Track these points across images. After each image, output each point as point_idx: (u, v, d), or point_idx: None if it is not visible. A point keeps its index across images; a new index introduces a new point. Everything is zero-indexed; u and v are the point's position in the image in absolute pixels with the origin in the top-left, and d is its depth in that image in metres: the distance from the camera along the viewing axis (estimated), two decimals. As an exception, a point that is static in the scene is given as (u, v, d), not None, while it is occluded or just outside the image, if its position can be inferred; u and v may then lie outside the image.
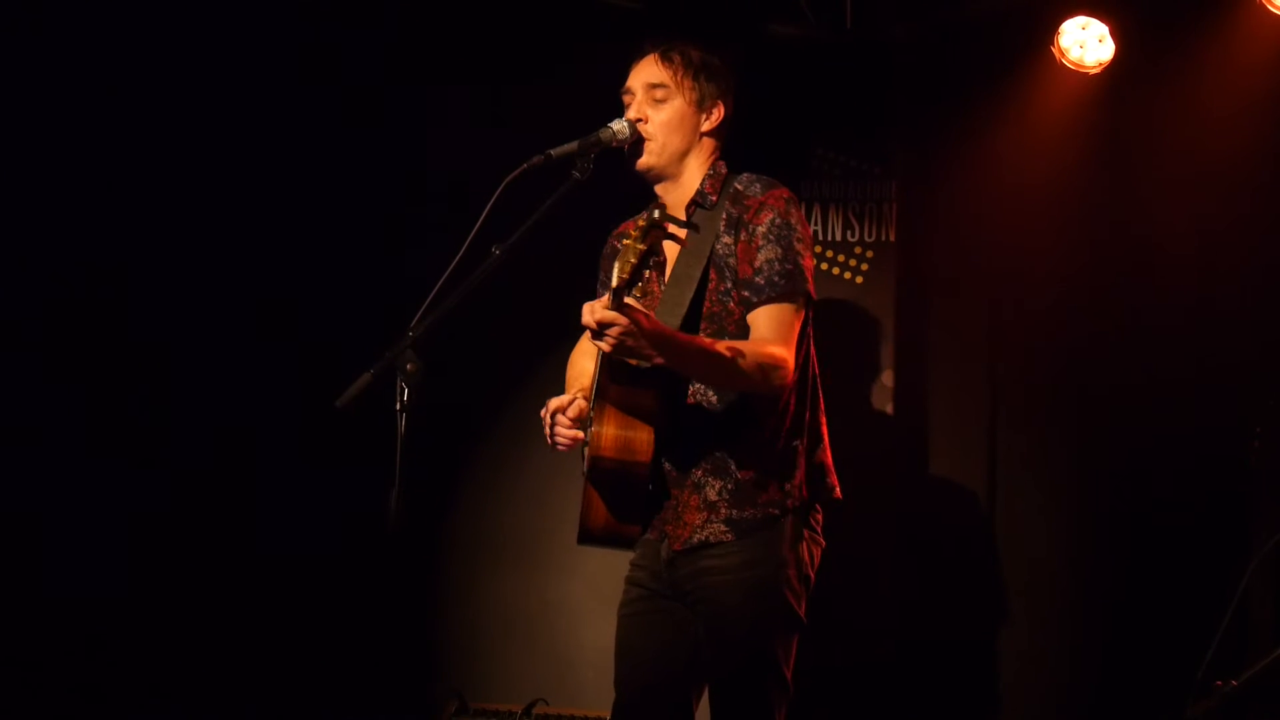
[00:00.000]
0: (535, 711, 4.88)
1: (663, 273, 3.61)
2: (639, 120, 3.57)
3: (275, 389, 5.25)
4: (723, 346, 3.32)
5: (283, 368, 5.24)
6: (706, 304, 3.52)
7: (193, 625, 5.18)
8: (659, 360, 3.25)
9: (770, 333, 3.43)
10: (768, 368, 3.36)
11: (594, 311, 3.10)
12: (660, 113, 3.59)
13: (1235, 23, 4.76)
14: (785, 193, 3.56)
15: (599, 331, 3.12)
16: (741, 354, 3.33)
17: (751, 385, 3.40)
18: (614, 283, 2.99)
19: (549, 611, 5.44)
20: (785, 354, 3.40)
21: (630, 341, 3.13)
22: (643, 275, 2.99)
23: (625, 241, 3.01)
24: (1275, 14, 4.65)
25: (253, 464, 5.28)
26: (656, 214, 3.07)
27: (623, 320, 3.06)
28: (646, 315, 3.10)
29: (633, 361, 3.32)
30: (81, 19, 4.95)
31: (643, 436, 3.36)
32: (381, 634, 5.09)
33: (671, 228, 3.14)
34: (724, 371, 3.33)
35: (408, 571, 5.13)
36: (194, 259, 5.22)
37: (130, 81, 5.04)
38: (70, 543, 4.99)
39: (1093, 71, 4.98)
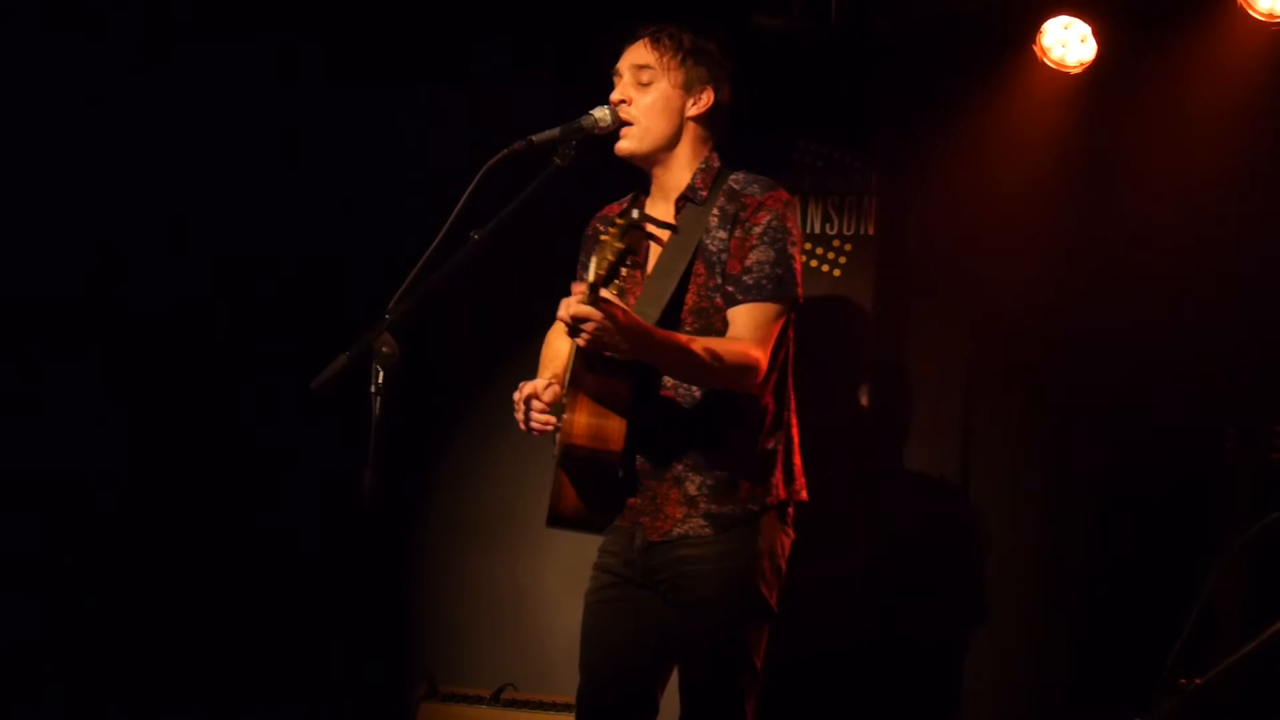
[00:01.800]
0: (504, 696, 4.89)
1: (647, 263, 3.61)
2: (622, 101, 3.56)
3: (246, 370, 5.25)
4: (698, 345, 3.33)
5: (258, 348, 5.24)
6: (693, 298, 3.52)
7: (161, 605, 5.17)
8: (630, 355, 3.26)
9: (748, 332, 3.43)
10: (741, 369, 3.37)
11: (569, 306, 3.11)
12: (644, 95, 3.58)
13: (1217, 26, 4.77)
14: (784, 195, 3.57)
15: (574, 326, 3.13)
16: (716, 353, 3.33)
17: (724, 384, 3.41)
18: (590, 278, 3.00)
19: (520, 596, 5.45)
20: (759, 355, 3.41)
21: (606, 337, 3.13)
22: (619, 274, 2.99)
23: (603, 237, 3.01)
24: (1256, 18, 4.67)
25: (226, 445, 5.27)
26: (636, 214, 3.06)
27: (597, 315, 3.06)
28: (623, 310, 3.10)
29: (607, 353, 3.33)
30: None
31: (615, 425, 3.37)
32: (352, 616, 5.08)
33: (651, 228, 3.15)
34: (697, 369, 3.34)
35: (380, 554, 5.12)
36: (172, 245, 5.22)
37: (129, 80, 5.04)
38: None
39: (1074, 71, 4.99)
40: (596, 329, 3.11)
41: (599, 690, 3.61)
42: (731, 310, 3.48)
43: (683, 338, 3.38)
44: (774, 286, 3.46)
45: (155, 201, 5.15)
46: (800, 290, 3.54)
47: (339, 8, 5.32)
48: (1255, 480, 4.53)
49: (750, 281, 3.46)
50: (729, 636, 3.49)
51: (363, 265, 4.98)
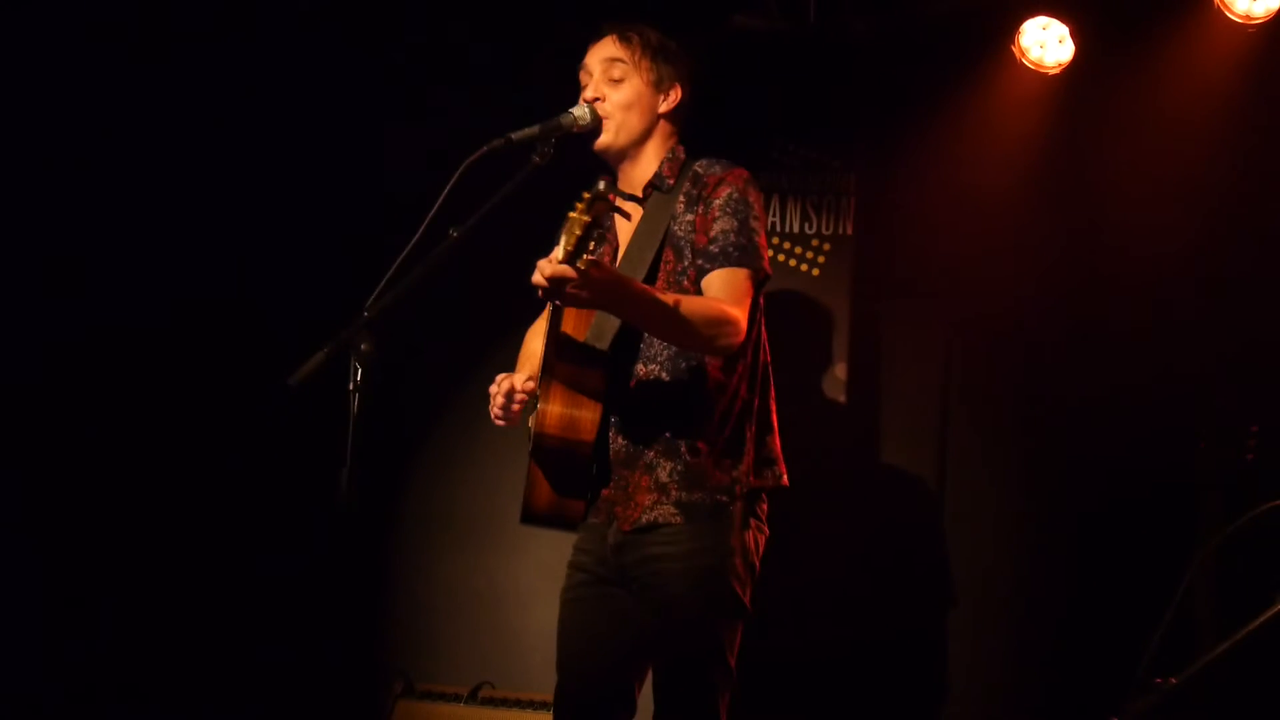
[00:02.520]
0: (481, 694, 4.89)
1: (615, 253, 3.62)
2: (596, 99, 3.58)
3: (225, 367, 5.23)
4: (673, 297, 3.32)
5: (230, 344, 5.23)
6: (662, 283, 3.52)
7: (137, 603, 5.16)
8: (608, 310, 3.28)
9: (723, 293, 3.44)
10: (718, 322, 3.36)
11: (544, 268, 3.09)
12: (618, 92, 3.60)
13: (1194, 27, 4.79)
14: (744, 173, 3.59)
15: (553, 287, 3.10)
16: (695, 309, 3.33)
17: (701, 340, 3.38)
18: (560, 256, 2.97)
19: (497, 594, 5.44)
20: (737, 313, 3.40)
21: (584, 294, 3.11)
22: (588, 247, 2.97)
23: (570, 214, 2.99)
24: (1233, 19, 4.70)
25: (203, 441, 5.26)
26: (601, 186, 3.04)
27: (572, 273, 3.01)
28: (598, 264, 3.06)
29: (580, 337, 3.32)
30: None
31: (587, 415, 3.38)
32: (328, 613, 5.08)
33: (616, 200, 3.13)
34: (675, 323, 3.31)
35: (356, 551, 5.11)
36: (153, 245, 5.21)
37: (129, 80, 5.03)
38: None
39: (1052, 72, 5.01)
40: (573, 286, 3.09)
41: (576, 688, 3.61)
42: (705, 280, 3.48)
43: (660, 292, 3.36)
44: (739, 254, 3.47)
45: (130, 190, 5.14)
46: (766, 264, 3.54)
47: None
48: (1229, 481, 4.55)
49: (716, 250, 3.48)
50: (701, 634, 3.49)
51: (337, 264, 4.97)
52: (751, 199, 3.55)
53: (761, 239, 3.54)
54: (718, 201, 3.52)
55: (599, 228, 2.97)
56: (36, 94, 4.90)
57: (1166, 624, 3.42)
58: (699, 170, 3.61)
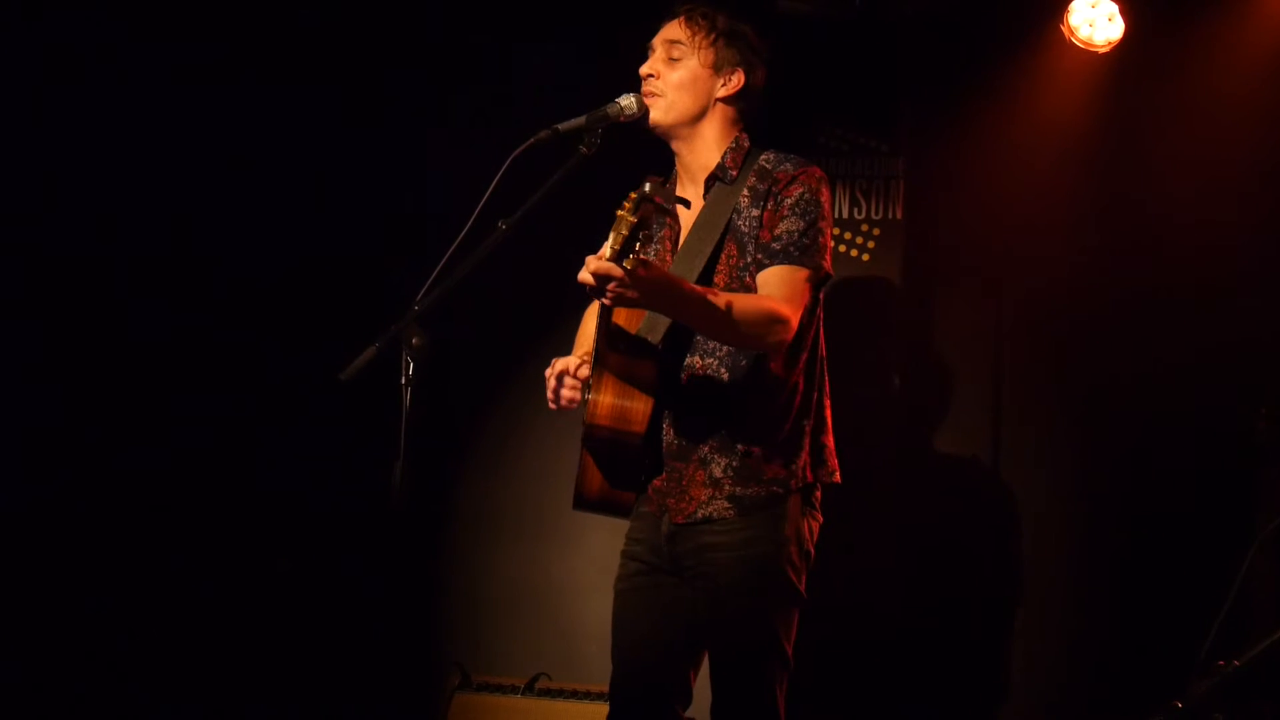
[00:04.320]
0: (538, 685, 4.89)
1: (676, 240, 3.61)
2: (650, 75, 3.57)
3: (280, 363, 5.26)
4: (724, 298, 3.30)
5: (288, 341, 5.26)
6: (722, 278, 3.50)
7: (194, 601, 5.19)
8: (654, 309, 3.27)
9: (776, 290, 3.42)
10: (769, 319, 3.34)
11: (591, 265, 3.08)
12: (673, 71, 3.59)
13: (1246, 3, 4.74)
14: (818, 171, 3.57)
15: (599, 286, 3.09)
16: (743, 307, 3.31)
17: (752, 338, 3.37)
18: (608, 254, 2.97)
19: (552, 586, 5.45)
20: (789, 311, 3.37)
21: (630, 293, 3.10)
22: (634, 246, 2.96)
23: (619, 212, 2.98)
24: (1285, -6, 4.65)
25: (257, 438, 5.29)
26: (648, 187, 3.03)
27: (618, 271, 3.00)
28: (645, 263, 3.05)
29: (633, 330, 3.31)
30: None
31: (639, 407, 3.37)
32: (385, 608, 5.10)
33: (662, 201, 3.12)
34: (725, 322, 3.29)
35: (411, 546, 5.14)
36: (194, 241, 5.24)
37: (130, 81, 5.06)
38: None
39: (1102, 50, 4.96)
40: (618, 285, 3.08)
41: (631, 678, 3.60)
42: (761, 276, 3.46)
43: (709, 290, 3.34)
44: (799, 253, 3.45)
45: (165, 194, 5.18)
46: (829, 264, 3.52)
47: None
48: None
49: (778, 248, 3.46)
50: (757, 623, 3.48)
51: (390, 257, 4.99)
52: (823, 199, 3.52)
53: (827, 238, 3.51)
54: (789, 201, 3.49)
55: (644, 228, 2.97)
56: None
57: (1228, 606, 3.39)
58: (766, 165, 3.56)
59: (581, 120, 3.39)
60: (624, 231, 2.93)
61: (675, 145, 3.64)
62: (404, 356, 2.94)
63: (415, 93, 5.49)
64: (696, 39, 3.59)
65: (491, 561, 5.51)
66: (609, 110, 3.47)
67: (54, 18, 4.88)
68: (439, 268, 3.10)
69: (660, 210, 3.08)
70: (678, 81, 3.58)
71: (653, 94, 3.56)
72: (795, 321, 3.39)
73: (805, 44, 5.25)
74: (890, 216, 5.22)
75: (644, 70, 3.59)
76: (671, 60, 3.59)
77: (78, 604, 4.98)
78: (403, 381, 2.94)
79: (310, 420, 5.17)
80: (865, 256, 5.22)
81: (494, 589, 5.50)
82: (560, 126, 3.36)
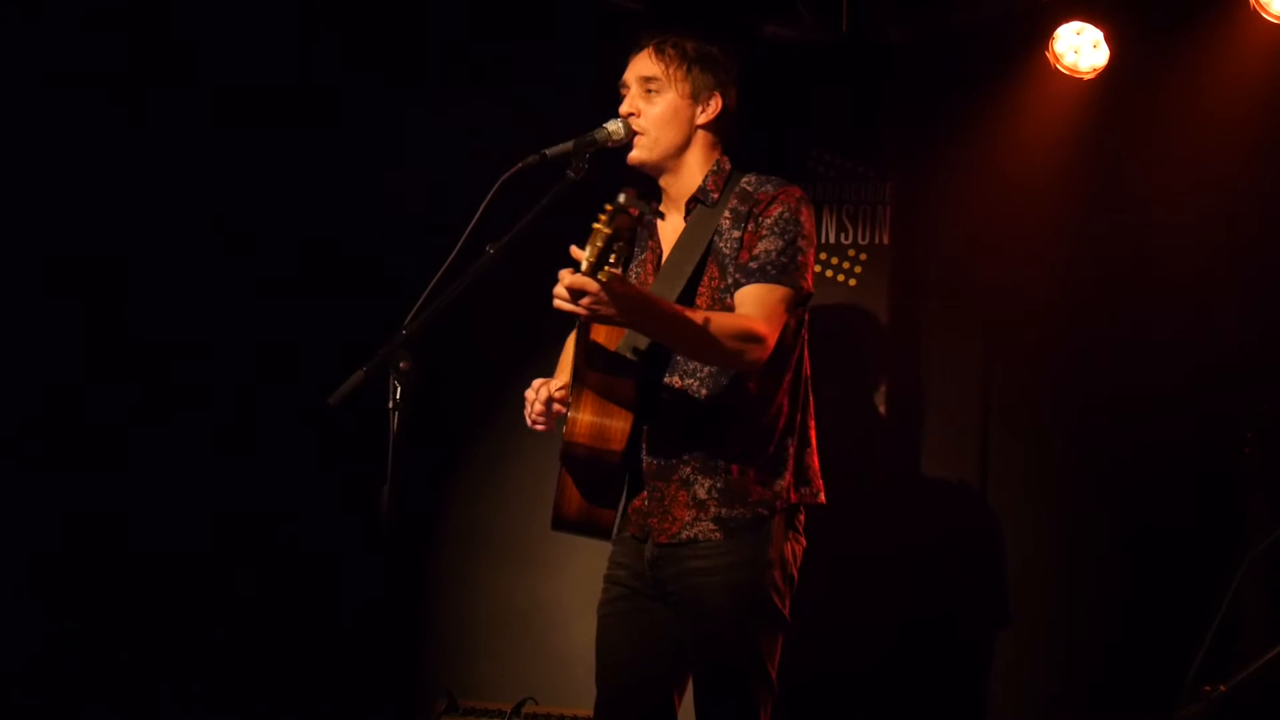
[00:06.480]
0: (525, 710, 4.88)
1: (658, 262, 3.61)
2: (631, 114, 3.56)
3: (268, 387, 5.25)
4: (700, 315, 3.30)
5: (275, 363, 5.25)
6: (704, 300, 3.51)
7: (183, 620, 5.18)
8: (629, 325, 3.26)
9: (753, 309, 3.41)
10: (744, 338, 3.33)
11: (565, 279, 3.08)
12: (653, 106, 3.57)
13: (1230, 29, 4.76)
14: (797, 191, 3.56)
15: (572, 299, 3.09)
16: (719, 324, 3.30)
17: (727, 356, 3.36)
18: (583, 267, 2.96)
19: (539, 610, 5.44)
20: (765, 329, 3.37)
21: (604, 308, 3.10)
22: (609, 259, 2.95)
23: (594, 225, 2.98)
24: (1269, 20, 4.66)
25: (245, 461, 5.27)
26: (623, 198, 3.02)
27: (593, 286, 3.00)
28: (620, 279, 3.04)
29: (612, 347, 3.30)
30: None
31: (618, 425, 3.37)
32: (371, 631, 5.08)
33: (638, 211, 3.11)
34: (699, 338, 3.29)
35: (398, 569, 5.10)
36: (186, 256, 5.24)
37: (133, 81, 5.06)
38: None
39: (1087, 77, 4.98)
40: (593, 300, 3.07)
41: (616, 703, 3.60)
42: (738, 294, 3.46)
43: (684, 308, 3.34)
44: (777, 272, 3.44)
45: (155, 202, 5.18)
46: (809, 283, 3.51)
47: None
48: (1276, 482, 4.51)
49: (755, 267, 3.45)
50: (741, 646, 3.48)
51: (379, 278, 4.99)
52: (804, 218, 3.51)
53: (808, 257, 3.50)
54: (768, 220, 3.49)
55: (620, 239, 2.95)
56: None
57: (1214, 630, 3.40)
58: (747, 187, 3.56)
59: (569, 145, 3.40)
60: (599, 244, 2.91)
61: (662, 179, 3.64)
62: (391, 380, 2.94)
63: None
64: (671, 70, 3.57)
65: (479, 585, 5.50)
66: (596, 135, 3.47)
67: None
68: (427, 291, 3.10)
69: (636, 222, 3.06)
70: (659, 117, 3.57)
71: (635, 133, 3.56)
72: (772, 340, 3.39)
73: (792, 70, 5.27)
74: (878, 241, 5.23)
75: (623, 110, 3.58)
76: (649, 94, 3.58)
77: (64, 643, 4.99)
78: (390, 405, 2.94)
79: (297, 443, 5.16)
80: (852, 281, 5.23)
81: (481, 613, 5.48)
82: (548, 151, 3.36)
